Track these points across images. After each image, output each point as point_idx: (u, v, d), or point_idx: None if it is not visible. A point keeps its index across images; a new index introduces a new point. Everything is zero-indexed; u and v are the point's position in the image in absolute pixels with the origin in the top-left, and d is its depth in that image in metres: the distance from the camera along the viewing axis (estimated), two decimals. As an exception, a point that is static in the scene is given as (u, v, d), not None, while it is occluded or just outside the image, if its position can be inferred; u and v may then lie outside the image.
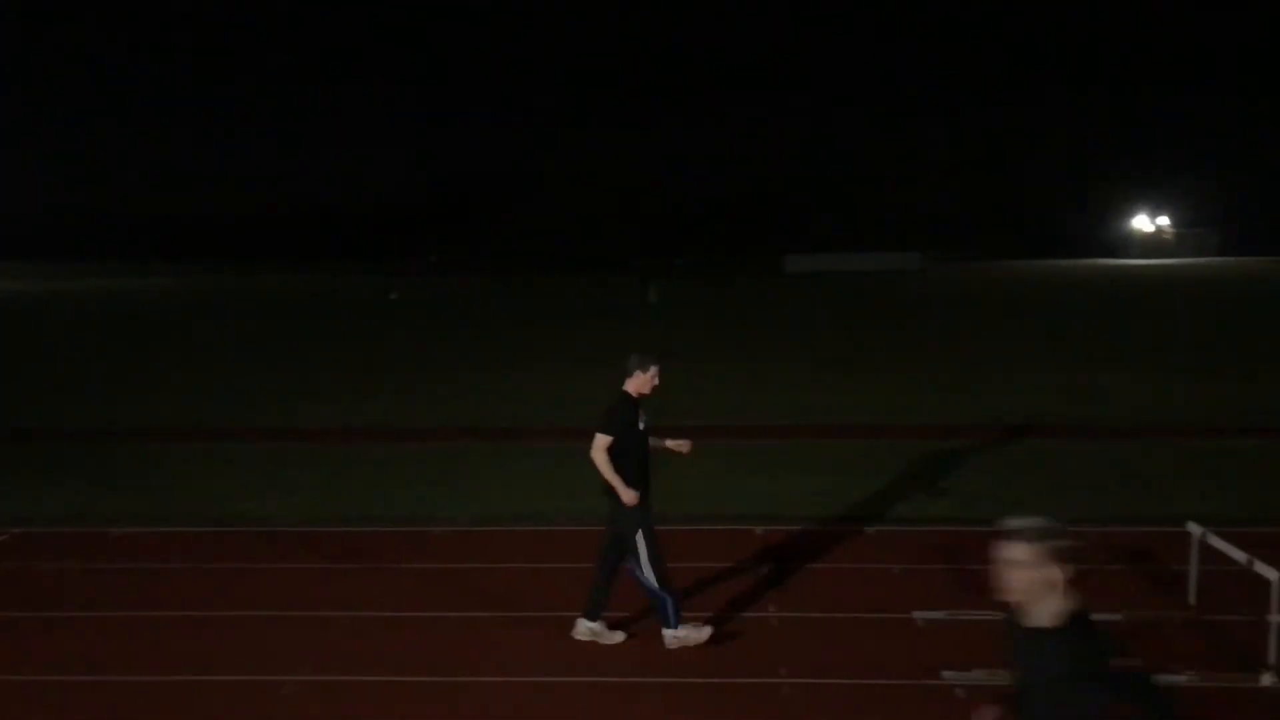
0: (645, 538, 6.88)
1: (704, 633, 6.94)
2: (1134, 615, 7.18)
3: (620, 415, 6.93)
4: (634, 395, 7.01)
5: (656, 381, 7.11)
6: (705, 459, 12.24)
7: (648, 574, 6.84)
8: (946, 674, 6.34)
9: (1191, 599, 7.26)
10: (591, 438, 6.90)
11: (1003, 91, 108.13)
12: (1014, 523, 3.35)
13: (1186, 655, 6.52)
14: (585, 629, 7.05)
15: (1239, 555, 6.54)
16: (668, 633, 6.89)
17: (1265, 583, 6.13)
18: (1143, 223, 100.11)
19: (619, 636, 7.05)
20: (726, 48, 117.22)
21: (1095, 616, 7.03)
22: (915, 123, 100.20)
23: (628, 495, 6.83)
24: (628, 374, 7.04)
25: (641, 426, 6.99)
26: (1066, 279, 58.60)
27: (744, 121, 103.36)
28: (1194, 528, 7.24)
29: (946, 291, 49.06)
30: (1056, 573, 3.27)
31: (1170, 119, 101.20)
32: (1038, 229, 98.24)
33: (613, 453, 6.86)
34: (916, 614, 7.33)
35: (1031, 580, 3.26)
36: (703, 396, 17.30)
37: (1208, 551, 7.07)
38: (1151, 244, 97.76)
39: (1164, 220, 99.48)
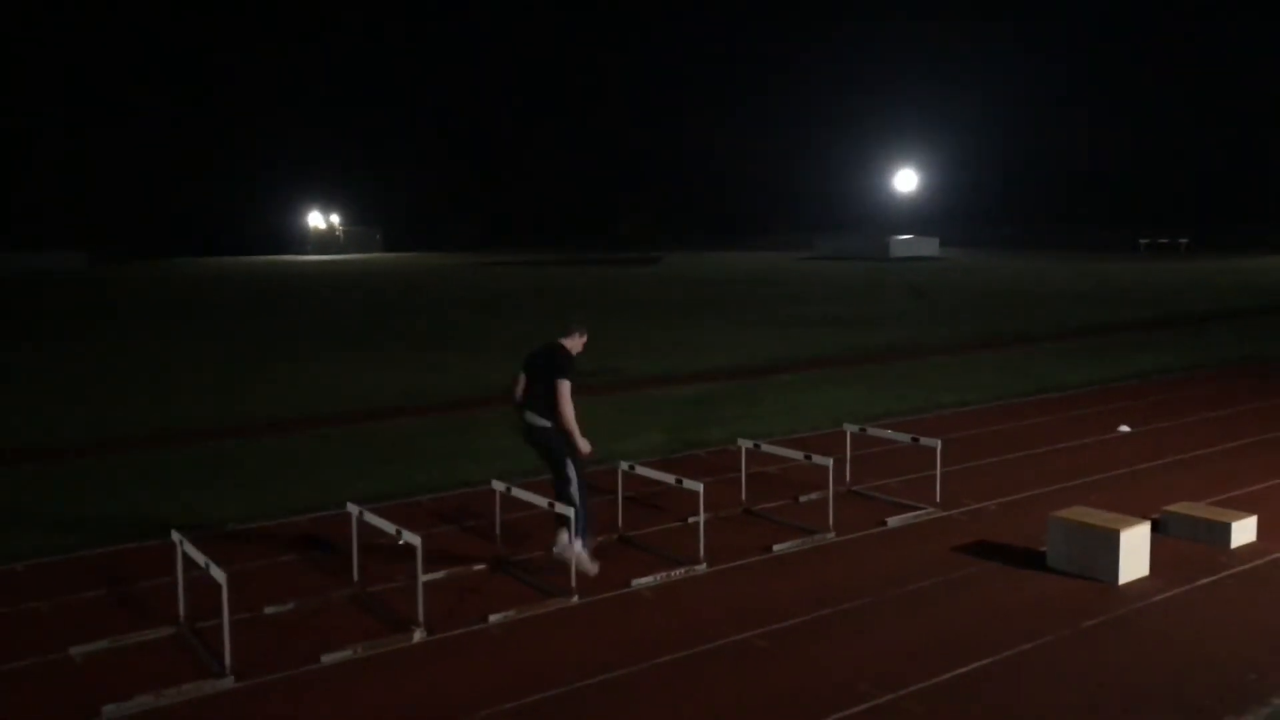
0: (574, 465, 7.68)
1: (594, 567, 7.66)
2: (305, 603, 7.35)
3: (575, 364, 7.73)
4: (571, 352, 7.83)
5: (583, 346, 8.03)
6: None
7: (574, 491, 7.65)
8: (108, 708, 5.79)
9: (356, 575, 7.64)
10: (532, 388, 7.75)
11: (197, 100, 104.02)
12: None
13: (355, 630, 6.83)
14: (576, 548, 7.53)
15: (389, 526, 7.04)
16: (576, 543, 7.52)
17: (414, 548, 6.67)
18: (316, 220, 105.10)
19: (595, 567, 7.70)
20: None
21: (270, 610, 7.05)
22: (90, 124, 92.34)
23: (584, 444, 7.65)
24: (566, 334, 7.89)
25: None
26: (245, 275, 59.00)
27: None
28: (352, 507, 7.63)
29: (122, 293, 46.00)
30: None
31: (337, 125, 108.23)
32: (217, 225, 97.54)
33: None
34: (74, 649, 6.60)
35: None
36: None
37: (365, 528, 7.50)
38: (325, 240, 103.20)
39: (335, 218, 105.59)
